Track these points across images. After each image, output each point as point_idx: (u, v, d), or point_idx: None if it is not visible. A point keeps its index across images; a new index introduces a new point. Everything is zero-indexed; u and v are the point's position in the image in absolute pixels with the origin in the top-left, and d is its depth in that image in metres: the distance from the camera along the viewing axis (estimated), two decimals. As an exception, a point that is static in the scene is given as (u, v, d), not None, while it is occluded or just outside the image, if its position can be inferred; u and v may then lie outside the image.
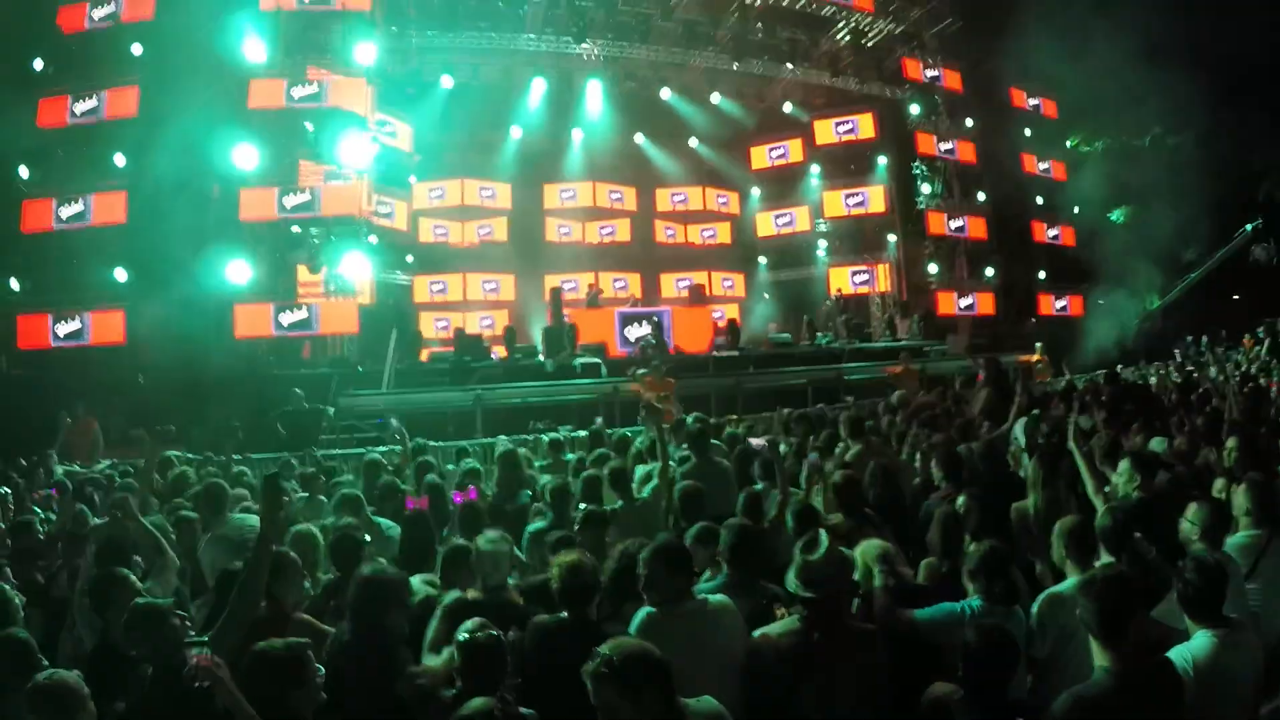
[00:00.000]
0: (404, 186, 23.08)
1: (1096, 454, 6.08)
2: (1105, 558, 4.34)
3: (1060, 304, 27.38)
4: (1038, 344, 18.56)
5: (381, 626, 3.98)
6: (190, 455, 10.07)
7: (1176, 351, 21.68)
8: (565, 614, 3.98)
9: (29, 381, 15.68)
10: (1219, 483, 5.87)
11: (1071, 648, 3.94)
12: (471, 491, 6.80)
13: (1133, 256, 24.82)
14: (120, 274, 17.59)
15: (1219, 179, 25.09)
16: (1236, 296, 28.67)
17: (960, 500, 5.33)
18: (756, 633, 3.84)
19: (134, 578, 4.56)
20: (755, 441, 8.21)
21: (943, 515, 5.00)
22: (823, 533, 3.87)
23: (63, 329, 17.72)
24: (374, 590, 4.03)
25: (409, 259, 23.65)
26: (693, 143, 27.25)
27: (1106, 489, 5.58)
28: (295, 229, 18.39)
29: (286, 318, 17.80)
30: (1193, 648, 3.58)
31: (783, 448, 7.59)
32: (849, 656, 3.65)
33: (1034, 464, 5.84)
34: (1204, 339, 23.17)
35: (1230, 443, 6.16)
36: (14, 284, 18.19)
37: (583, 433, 9.95)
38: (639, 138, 26.77)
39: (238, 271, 17.43)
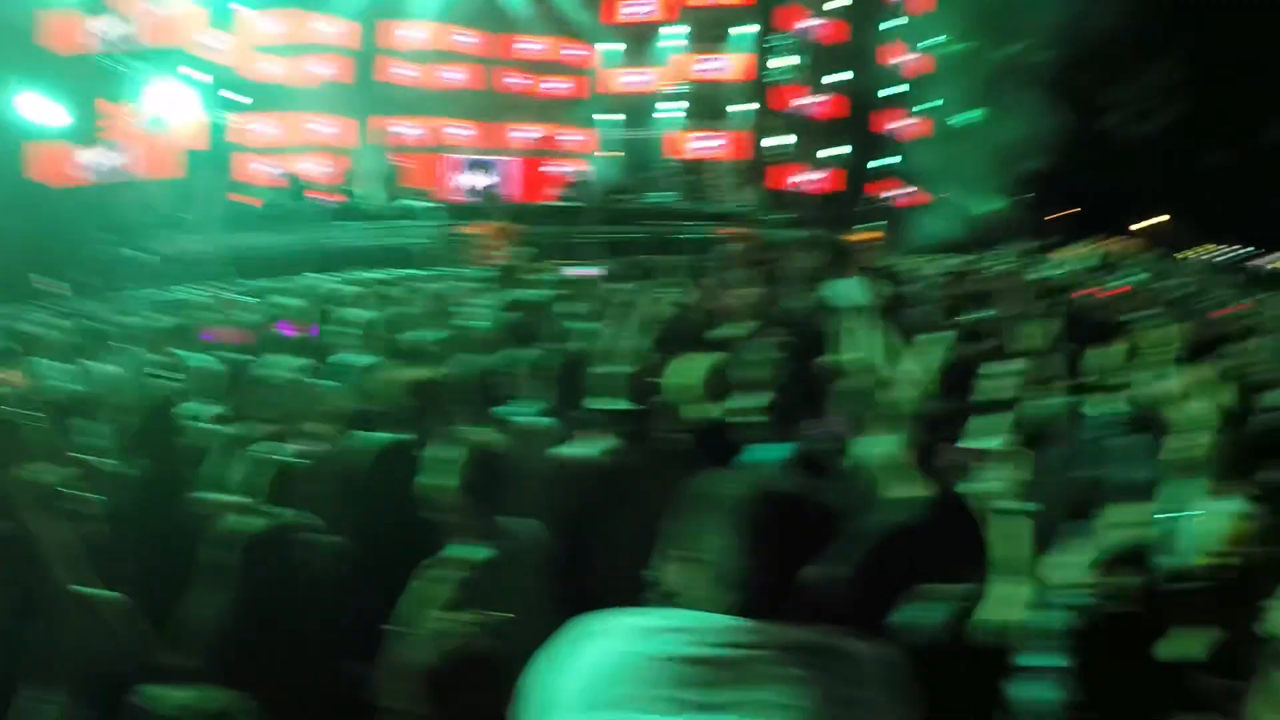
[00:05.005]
0: (230, 18, 21.28)
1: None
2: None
3: (900, 192, 28.33)
4: (875, 223, 19.18)
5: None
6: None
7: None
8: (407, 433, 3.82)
9: None
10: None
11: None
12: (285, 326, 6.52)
13: (977, 160, 25.68)
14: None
15: (1073, 103, 26.08)
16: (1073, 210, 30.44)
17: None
18: (565, 449, 3.84)
19: None
20: (578, 271, 8.20)
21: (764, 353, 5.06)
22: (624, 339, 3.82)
23: None
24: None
25: (238, 98, 22.01)
26: (548, -12, 26.08)
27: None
28: (111, 64, 16.75)
29: (94, 157, 16.29)
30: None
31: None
32: (660, 470, 3.57)
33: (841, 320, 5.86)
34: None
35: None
36: None
37: (400, 272, 9.64)
38: (490, -22, 25.38)
39: (31, 107, 15.71)
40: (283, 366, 4.34)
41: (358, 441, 3.88)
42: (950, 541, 3.03)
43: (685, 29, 25.99)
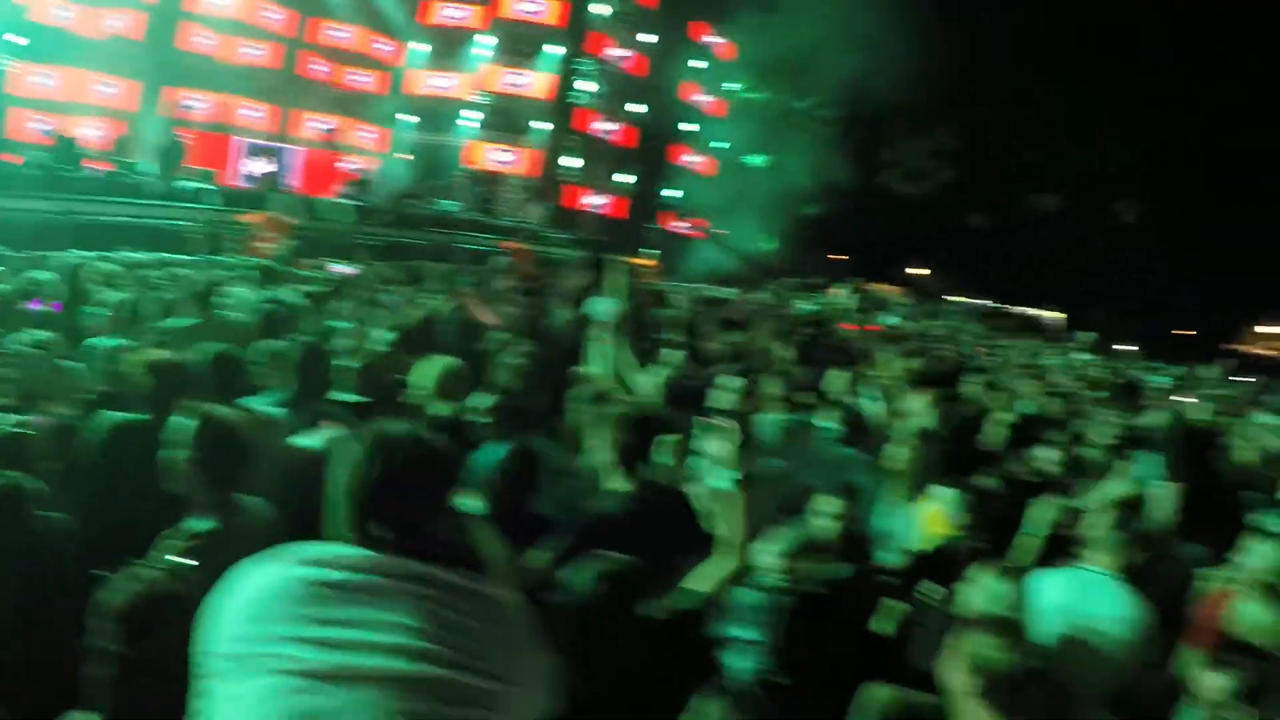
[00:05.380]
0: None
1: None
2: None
3: (683, 225, 29.75)
4: (653, 250, 20.19)
5: None
6: None
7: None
8: (148, 414, 3.97)
9: None
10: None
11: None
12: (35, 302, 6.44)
13: (758, 200, 27.37)
14: None
15: (856, 158, 28.22)
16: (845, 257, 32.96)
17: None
18: (297, 440, 4.14)
19: None
20: (338, 269, 8.41)
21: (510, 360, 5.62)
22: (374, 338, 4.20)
23: None
24: None
25: (19, 40, 20.32)
26: (366, -22, 25.75)
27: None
28: None
29: None
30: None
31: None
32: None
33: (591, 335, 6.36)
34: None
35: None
36: None
37: (166, 255, 9.47)
38: (305, -42, 24.74)
39: None
40: (23, 341, 4.43)
41: (95, 419, 4.06)
42: (653, 527, 3.58)
43: (495, 40, 26.31)
